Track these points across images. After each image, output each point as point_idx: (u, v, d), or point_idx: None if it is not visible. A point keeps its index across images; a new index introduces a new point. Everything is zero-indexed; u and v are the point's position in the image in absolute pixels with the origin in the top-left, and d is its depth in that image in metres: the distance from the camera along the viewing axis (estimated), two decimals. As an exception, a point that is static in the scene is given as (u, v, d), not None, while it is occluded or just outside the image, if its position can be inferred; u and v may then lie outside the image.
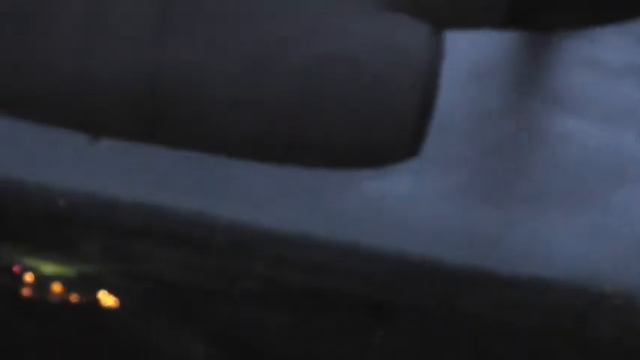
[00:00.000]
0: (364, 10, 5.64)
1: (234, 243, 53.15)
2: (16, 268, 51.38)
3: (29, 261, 50.83)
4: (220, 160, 5.98)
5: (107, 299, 47.89)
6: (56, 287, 49.48)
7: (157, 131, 5.69)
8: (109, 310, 41.75)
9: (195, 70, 5.43)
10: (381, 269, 54.51)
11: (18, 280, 47.78)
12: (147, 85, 5.43)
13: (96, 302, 46.49)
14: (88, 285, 44.40)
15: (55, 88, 5.48)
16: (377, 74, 5.56)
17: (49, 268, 53.08)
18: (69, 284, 48.12)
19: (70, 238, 55.90)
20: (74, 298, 48.10)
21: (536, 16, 6.15)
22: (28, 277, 50.47)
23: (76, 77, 5.42)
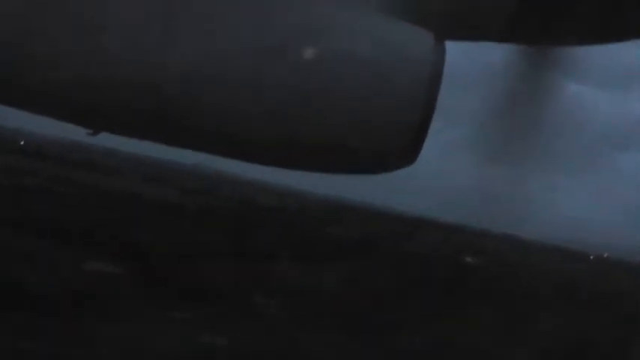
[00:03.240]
0: (369, 12, 5.55)
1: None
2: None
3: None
4: None
5: None
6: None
7: (159, 127, 5.61)
8: None
9: (199, 68, 5.33)
10: (378, 224, 54.66)
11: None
12: (151, 82, 5.33)
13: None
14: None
15: (59, 83, 5.39)
16: (379, 76, 5.45)
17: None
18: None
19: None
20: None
21: (537, 31, 6.09)
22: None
23: (80, 73, 5.33)
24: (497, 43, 6.35)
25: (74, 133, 5.99)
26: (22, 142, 55.91)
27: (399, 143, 5.60)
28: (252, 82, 5.31)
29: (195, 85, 5.32)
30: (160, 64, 5.27)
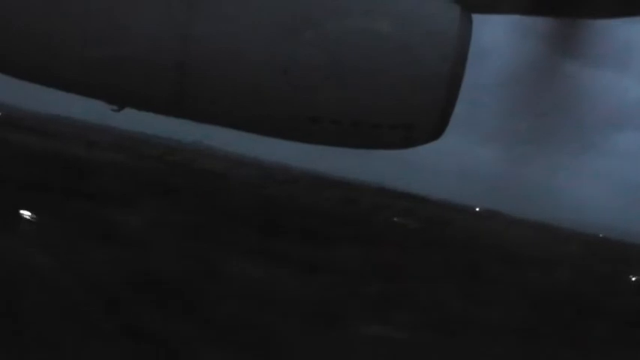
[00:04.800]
0: None
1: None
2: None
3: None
4: None
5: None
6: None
7: (184, 102, 5.51)
8: None
9: (223, 42, 5.23)
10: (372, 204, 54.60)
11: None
12: (175, 57, 5.26)
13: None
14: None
15: (84, 59, 5.33)
16: (405, 51, 5.33)
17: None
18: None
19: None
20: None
21: (566, 3, 6.00)
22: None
23: (105, 49, 5.27)
24: (504, 15, 6.26)
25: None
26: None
27: (425, 118, 5.53)
28: (277, 58, 5.24)
29: (218, 61, 5.26)
30: (183, 41, 5.21)
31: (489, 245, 35.31)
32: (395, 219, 40.61)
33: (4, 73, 5.78)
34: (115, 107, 5.85)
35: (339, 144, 5.92)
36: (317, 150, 6.03)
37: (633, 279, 33.81)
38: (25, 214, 16.64)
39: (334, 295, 15.93)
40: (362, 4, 5.35)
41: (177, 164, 46.60)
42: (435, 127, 5.65)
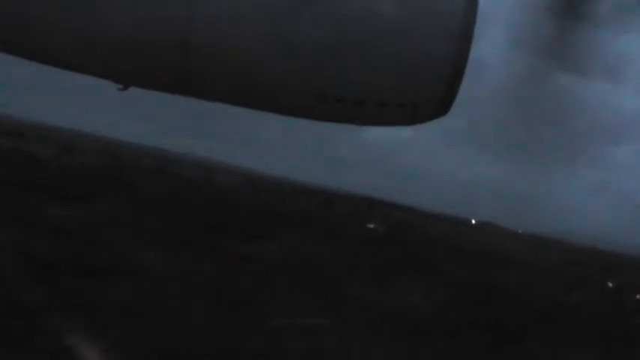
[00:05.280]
0: None
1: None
2: None
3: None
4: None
5: None
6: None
7: (190, 81, 5.51)
8: None
9: (227, 19, 5.22)
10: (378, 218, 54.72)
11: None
12: (180, 36, 5.25)
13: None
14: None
15: (89, 38, 5.34)
16: (409, 28, 5.31)
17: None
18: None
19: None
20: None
21: None
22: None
23: (110, 29, 5.28)
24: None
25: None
26: None
27: (431, 96, 5.48)
28: (281, 35, 5.23)
29: (224, 40, 5.25)
30: (188, 19, 5.21)
31: (452, 249, 35.52)
32: (369, 225, 40.86)
33: (13, 54, 5.79)
34: (120, 87, 5.79)
35: (344, 121, 5.88)
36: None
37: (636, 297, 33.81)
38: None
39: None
40: None
41: (160, 171, 46.98)
42: (440, 105, 5.61)
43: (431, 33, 5.35)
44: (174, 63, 5.41)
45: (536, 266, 38.42)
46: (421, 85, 5.48)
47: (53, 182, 25.27)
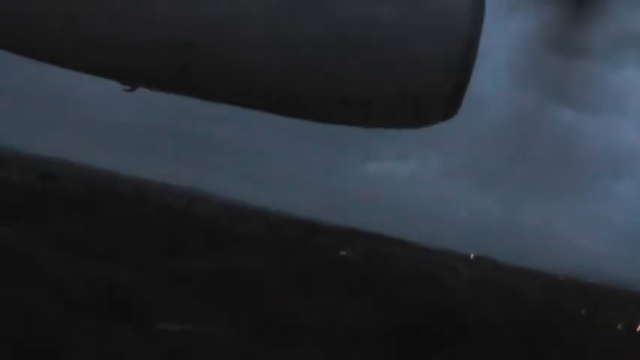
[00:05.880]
0: None
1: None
2: None
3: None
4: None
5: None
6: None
7: (192, 80, 5.55)
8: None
9: (232, 24, 5.28)
10: (380, 251, 54.15)
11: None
12: (182, 35, 5.31)
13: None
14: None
15: (93, 37, 5.40)
16: (417, 30, 5.36)
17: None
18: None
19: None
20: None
21: None
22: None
23: (113, 28, 5.34)
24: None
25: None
26: None
27: (437, 97, 5.50)
28: (282, 35, 5.28)
29: (228, 41, 5.30)
30: (191, 22, 5.27)
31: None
32: (341, 253, 40.63)
33: (19, 54, 5.81)
34: (127, 87, 5.79)
35: (351, 122, 5.88)
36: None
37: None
38: None
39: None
40: None
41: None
42: (446, 106, 5.61)
43: (438, 34, 5.36)
44: (176, 63, 5.41)
45: (514, 295, 38.05)
46: (428, 87, 5.46)
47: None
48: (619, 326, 34.54)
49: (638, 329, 33.25)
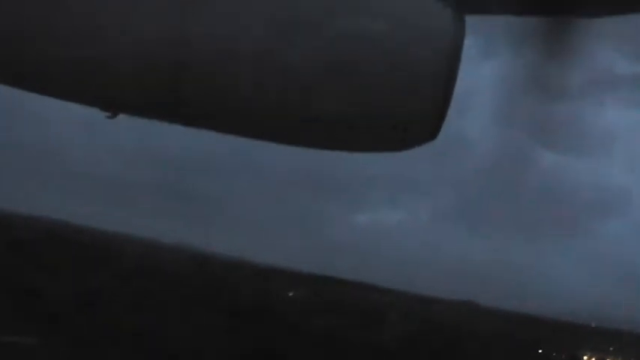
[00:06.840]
0: None
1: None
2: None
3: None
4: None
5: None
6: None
7: (180, 103, 5.47)
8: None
9: (223, 44, 5.26)
10: (370, 302, 53.81)
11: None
12: (170, 57, 5.26)
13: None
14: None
15: (77, 60, 5.29)
16: (398, 51, 5.39)
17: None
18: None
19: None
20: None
21: (556, 1, 6.05)
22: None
23: (98, 49, 5.24)
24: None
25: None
26: None
27: (421, 119, 5.54)
28: (271, 59, 5.27)
29: (218, 61, 5.27)
30: (178, 43, 5.23)
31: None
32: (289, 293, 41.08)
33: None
34: (109, 114, 5.70)
35: (334, 147, 5.90)
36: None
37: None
38: None
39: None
40: (356, 5, 5.43)
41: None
42: (430, 129, 5.64)
43: (421, 56, 5.40)
44: (164, 88, 5.34)
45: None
46: (412, 109, 5.48)
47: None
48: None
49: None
